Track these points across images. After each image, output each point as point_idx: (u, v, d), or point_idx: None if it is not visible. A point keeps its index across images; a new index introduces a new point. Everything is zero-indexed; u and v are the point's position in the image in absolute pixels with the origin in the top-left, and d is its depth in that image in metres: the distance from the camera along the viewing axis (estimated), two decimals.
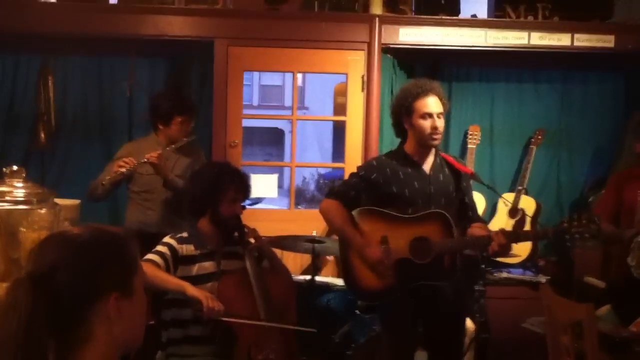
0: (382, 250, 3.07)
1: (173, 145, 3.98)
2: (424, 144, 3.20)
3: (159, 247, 3.12)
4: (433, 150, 3.26)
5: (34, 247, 1.31)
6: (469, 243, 3.15)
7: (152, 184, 4.01)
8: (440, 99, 3.19)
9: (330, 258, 4.54)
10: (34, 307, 1.17)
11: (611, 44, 4.74)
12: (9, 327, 1.16)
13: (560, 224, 3.05)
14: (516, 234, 3.08)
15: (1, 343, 1.16)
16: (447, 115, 3.38)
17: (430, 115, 3.15)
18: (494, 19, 4.80)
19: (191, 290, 3.00)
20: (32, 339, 1.16)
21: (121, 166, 3.79)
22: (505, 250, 3.14)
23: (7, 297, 1.19)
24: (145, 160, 3.80)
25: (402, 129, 3.26)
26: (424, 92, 3.17)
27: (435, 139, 3.18)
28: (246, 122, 4.86)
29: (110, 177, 3.79)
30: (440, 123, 3.17)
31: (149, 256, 3.05)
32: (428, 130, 3.15)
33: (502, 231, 3.07)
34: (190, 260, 3.17)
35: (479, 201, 4.72)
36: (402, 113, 3.22)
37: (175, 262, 3.13)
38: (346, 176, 4.27)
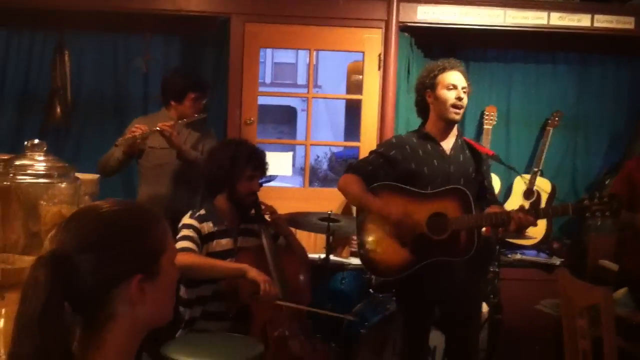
0: (403, 209, 3.05)
1: (185, 120, 3.94)
2: (445, 117, 3.17)
3: (186, 231, 3.13)
4: (454, 131, 3.24)
5: (61, 223, 1.29)
6: (486, 219, 3.12)
7: (164, 158, 3.98)
8: (465, 78, 3.18)
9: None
10: (52, 288, 1.16)
11: (631, 26, 4.69)
12: (28, 305, 1.16)
13: (581, 200, 3.02)
14: (536, 210, 3.04)
15: (21, 320, 1.16)
16: None
17: (455, 87, 3.14)
18: None
19: (252, 273, 3.01)
20: (50, 319, 1.15)
21: (134, 131, 3.73)
22: (522, 230, 3.09)
23: (28, 275, 1.19)
24: (158, 128, 3.75)
25: (425, 106, 3.24)
26: (450, 67, 3.18)
27: (457, 112, 3.15)
28: (259, 100, 4.85)
29: (124, 139, 3.71)
30: (464, 97, 3.16)
31: (185, 244, 3.06)
32: (451, 100, 3.13)
33: (521, 208, 3.04)
34: (211, 237, 3.19)
35: (494, 182, 4.70)
36: (426, 87, 3.20)
37: (201, 241, 3.15)
38: (361, 155, 4.27)
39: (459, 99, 3.13)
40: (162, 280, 1.29)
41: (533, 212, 3.02)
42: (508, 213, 3.03)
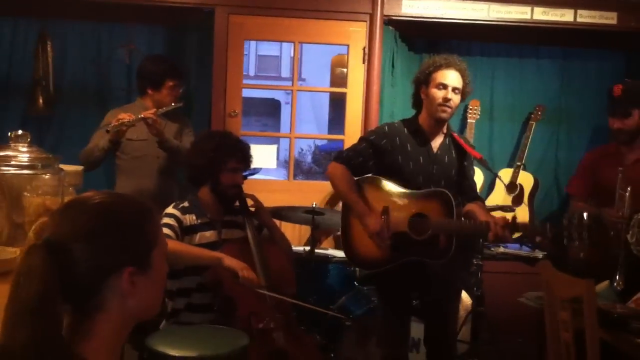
0: (382, 221, 3.08)
1: (164, 108, 3.88)
2: (432, 114, 3.19)
3: (165, 219, 3.12)
4: (444, 129, 3.26)
5: (54, 211, 1.28)
6: (466, 227, 3.16)
7: (143, 149, 3.95)
8: (463, 78, 3.18)
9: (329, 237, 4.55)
10: (47, 275, 1.16)
11: (614, 21, 4.73)
12: (22, 293, 1.15)
13: (559, 222, 3.05)
14: (514, 226, 3.08)
15: (13, 308, 1.15)
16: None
17: (444, 87, 3.15)
18: None
19: (228, 261, 3.01)
20: (44, 306, 1.15)
21: (122, 118, 3.68)
22: (504, 240, 3.15)
23: (21, 263, 1.18)
24: (142, 116, 3.70)
25: (419, 100, 3.26)
26: (446, 65, 3.17)
27: (444, 111, 3.16)
28: (244, 92, 4.83)
29: (114, 126, 3.66)
30: (453, 97, 3.15)
31: (163, 231, 3.04)
32: (439, 100, 3.14)
33: (502, 222, 3.06)
34: (193, 229, 3.18)
35: (478, 177, 4.72)
36: (421, 82, 3.22)
37: (182, 232, 3.14)
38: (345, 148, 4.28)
39: (446, 99, 3.14)
40: (153, 274, 1.30)
41: (512, 228, 3.05)
42: (487, 224, 3.06)
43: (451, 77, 3.16)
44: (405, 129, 3.25)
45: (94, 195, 1.30)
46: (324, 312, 3.33)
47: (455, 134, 3.32)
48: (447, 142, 3.27)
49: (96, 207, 1.27)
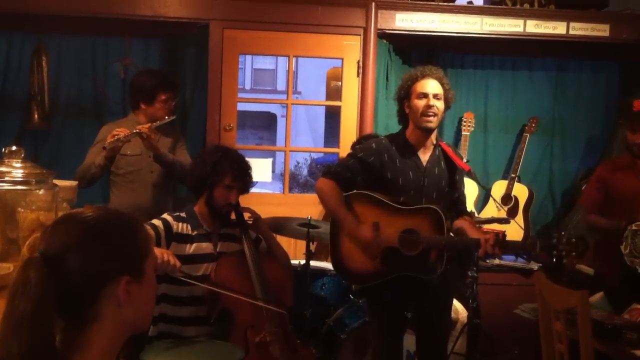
0: (373, 231, 3.09)
1: (158, 122, 3.89)
2: (419, 125, 3.20)
3: (154, 220, 3.14)
4: (432, 140, 3.27)
5: (48, 226, 1.30)
6: (457, 244, 3.17)
7: (137, 164, 3.96)
8: (442, 84, 3.20)
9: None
10: (44, 287, 1.17)
11: (606, 33, 4.77)
12: (18, 305, 1.16)
13: (549, 239, 3.06)
14: (504, 243, 3.09)
15: (10, 320, 1.16)
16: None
17: (425, 95, 3.17)
18: (490, 6, 4.82)
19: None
20: (41, 318, 1.16)
21: (117, 134, 3.69)
22: (494, 256, 3.15)
23: (18, 275, 1.19)
24: (137, 131, 3.71)
25: (404, 115, 3.28)
26: (423, 76, 3.20)
27: (429, 120, 3.17)
28: (239, 106, 4.85)
29: (110, 142, 3.67)
30: (436, 103, 3.16)
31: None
32: (421, 108, 3.16)
33: (492, 238, 3.07)
34: (185, 239, 3.18)
35: (472, 188, 4.75)
36: (403, 97, 3.24)
37: (169, 237, 3.12)
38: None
39: (429, 106, 3.15)
40: (146, 284, 1.32)
41: (502, 245, 3.05)
42: (478, 242, 3.07)
43: (430, 85, 3.18)
44: (393, 145, 3.26)
45: (84, 211, 1.32)
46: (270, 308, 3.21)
47: (444, 144, 3.33)
48: (436, 153, 3.28)
49: (88, 219, 1.29)
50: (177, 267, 2.85)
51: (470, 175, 3.35)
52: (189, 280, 2.94)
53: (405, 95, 3.24)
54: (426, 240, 3.08)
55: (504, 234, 3.12)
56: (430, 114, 3.15)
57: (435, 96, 3.17)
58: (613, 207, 3.64)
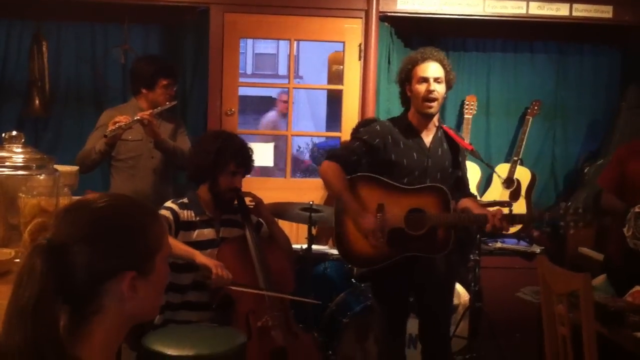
0: (376, 220, 3.07)
1: (159, 108, 3.88)
2: (420, 110, 3.19)
3: (162, 211, 3.13)
4: (434, 122, 3.26)
5: (60, 210, 1.27)
6: (464, 220, 3.17)
7: (138, 150, 3.96)
8: (443, 66, 3.18)
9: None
10: (47, 276, 1.15)
11: (609, 15, 4.73)
12: (23, 293, 1.14)
13: (556, 210, 3.07)
14: (512, 217, 3.09)
15: (15, 308, 1.15)
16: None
17: (425, 80, 3.15)
18: None
19: (200, 257, 3.01)
20: (44, 307, 1.14)
21: (119, 121, 3.68)
22: (501, 231, 3.15)
23: (24, 263, 1.17)
24: (138, 118, 3.71)
25: (406, 97, 3.26)
26: (423, 59, 3.18)
27: (430, 105, 3.16)
28: (240, 91, 4.83)
29: (111, 130, 3.66)
30: (437, 87, 3.15)
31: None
32: (422, 93, 3.15)
33: (499, 213, 3.07)
34: (190, 226, 3.19)
35: (475, 172, 4.74)
36: (404, 80, 3.23)
37: (177, 226, 3.14)
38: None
39: (429, 91, 3.14)
40: (154, 278, 1.28)
41: (509, 218, 3.05)
42: (485, 216, 3.07)
43: (431, 69, 3.16)
44: (396, 127, 3.25)
45: (98, 198, 1.28)
46: (298, 300, 3.28)
47: (445, 127, 3.32)
48: (439, 134, 3.27)
49: (99, 211, 1.25)
50: (230, 279, 2.90)
51: (474, 154, 3.34)
52: (242, 289, 3.03)
53: (406, 78, 3.23)
54: (433, 219, 3.07)
55: (511, 210, 3.12)
56: (431, 98, 3.14)
57: (436, 80, 3.15)
58: (627, 191, 3.60)
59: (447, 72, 3.19)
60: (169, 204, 3.21)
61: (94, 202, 1.27)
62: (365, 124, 4.11)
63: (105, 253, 1.21)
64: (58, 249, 1.19)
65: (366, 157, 3.20)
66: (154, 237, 1.28)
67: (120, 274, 1.22)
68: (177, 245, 3.03)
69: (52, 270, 1.16)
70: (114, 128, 3.67)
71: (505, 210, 3.16)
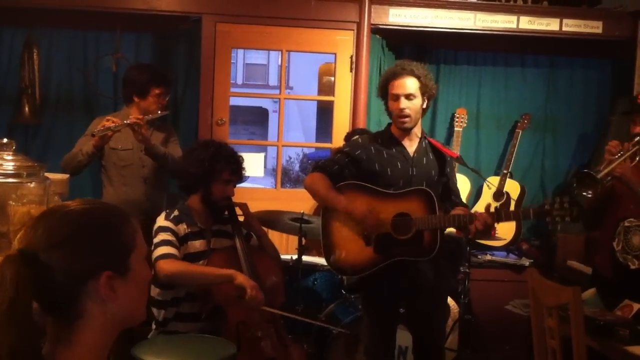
0: (367, 206, 3.08)
1: (151, 116, 3.87)
2: (396, 125, 3.23)
3: (164, 235, 3.09)
4: (417, 133, 3.27)
5: (29, 222, 1.27)
6: (450, 220, 3.16)
7: (128, 159, 3.94)
8: (418, 79, 3.16)
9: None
10: (20, 285, 1.15)
11: (599, 30, 4.78)
12: None
13: (542, 205, 3.09)
14: (498, 213, 3.09)
15: None
16: (434, 97, 3.39)
17: (397, 97, 3.16)
18: (484, 2, 4.81)
19: (240, 278, 2.99)
20: (17, 316, 1.14)
21: (107, 123, 3.65)
22: (488, 231, 3.15)
23: None
24: (128, 121, 3.68)
25: (388, 110, 3.29)
26: (397, 75, 3.18)
27: (403, 122, 3.17)
28: (231, 101, 4.83)
29: (99, 130, 3.64)
30: (408, 104, 3.14)
31: (167, 250, 3.02)
32: (395, 111, 3.18)
33: (485, 210, 3.08)
34: (185, 239, 3.17)
35: (464, 184, 4.75)
36: (384, 95, 3.25)
37: (181, 244, 3.12)
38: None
39: (401, 109, 3.15)
40: (133, 278, 1.28)
41: (494, 214, 3.06)
42: (472, 215, 3.08)
43: (403, 86, 3.16)
44: (379, 138, 3.27)
45: (66, 204, 1.29)
46: (313, 322, 3.31)
47: (430, 138, 3.33)
48: (423, 145, 3.28)
49: (68, 215, 1.26)
50: (263, 301, 2.97)
51: (459, 160, 3.35)
52: (274, 311, 3.09)
53: (383, 95, 3.26)
54: (419, 221, 3.07)
55: (497, 208, 3.12)
56: (404, 115, 3.15)
57: (408, 96, 3.15)
58: (611, 201, 3.60)
59: (422, 85, 3.17)
60: (163, 222, 3.15)
61: (65, 206, 1.28)
62: (359, 132, 4.14)
63: (77, 256, 1.22)
64: (29, 257, 1.18)
65: (349, 168, 3.21)
66: (126, 237, 1.29)
67: (97, 275, 1.23)
68: (214, 272, 3.04)
69: (24, 278, 1.16)
70: (102, 129, 3.65)
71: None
